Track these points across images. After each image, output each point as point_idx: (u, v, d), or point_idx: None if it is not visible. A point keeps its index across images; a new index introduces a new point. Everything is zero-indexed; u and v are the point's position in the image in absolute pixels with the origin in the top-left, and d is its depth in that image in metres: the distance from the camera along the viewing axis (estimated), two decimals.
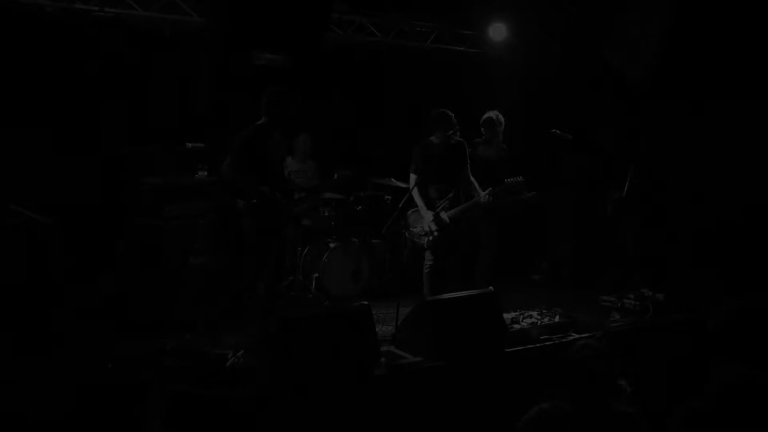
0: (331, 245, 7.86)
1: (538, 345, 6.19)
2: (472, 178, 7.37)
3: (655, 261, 8.76)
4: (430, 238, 7.03)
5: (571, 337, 6.44)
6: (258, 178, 6.06)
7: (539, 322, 6.45)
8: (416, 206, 7.15)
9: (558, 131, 7.85)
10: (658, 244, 8.99)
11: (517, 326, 6.31)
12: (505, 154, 8.00)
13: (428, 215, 6.99)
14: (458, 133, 7.26)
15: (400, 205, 6.71)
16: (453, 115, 7.06)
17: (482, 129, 7.92)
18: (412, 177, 6.99)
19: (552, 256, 8.80)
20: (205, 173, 6.97)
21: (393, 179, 8.21)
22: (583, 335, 6.51)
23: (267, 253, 6.10)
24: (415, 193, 7.01)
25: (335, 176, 7.33)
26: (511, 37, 9.73)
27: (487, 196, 7.18)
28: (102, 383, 2.37)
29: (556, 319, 6.59)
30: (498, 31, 9.67)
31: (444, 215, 7.02)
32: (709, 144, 8.50)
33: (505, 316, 6.42)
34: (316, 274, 7.71)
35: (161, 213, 6.37)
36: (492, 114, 7.92)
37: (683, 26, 8.00)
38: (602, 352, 3.39)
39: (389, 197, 8.45)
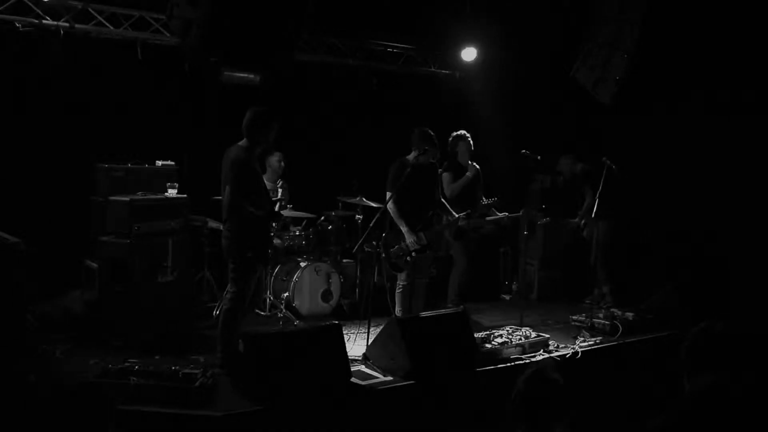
0: (302, 264, 7.83)
1: (509, 365, 6.21)
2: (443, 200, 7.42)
3: (623, 278, 8.88)
4: (408, 258, 6.99)
5: (541, 357, 6.47)
6: (254, 201, 5.97)
7: (510, 341, 6.46)
8: (389, 227, 7.10)
9: (527, 152, 7.93)
10: (626, 261, 9.11)
11: (488, 346, 6.33)
12: (476, 174, 8.04)
13: (411, 236, 6.93)
14: (438, 154, 7.29)
15: (372, 224, 6.68)
16: (434, 135, 7.08)
17: (451, 148, 7.95)
18: (388, 195, 6.96)
19: (522, 276, 8.83)
20: (175, 191, 6.90)
21: (364, 198, 8.21)
22: (553, 354, 6.55)
23: (254, 277, 6.05)
24: (395, 213, 6.95)
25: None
26: (481, 59, 9.84)
27: (465, 217, 7.22)
28: (62, 401, 2.32)
29: (527, 338, 6.61)
30: (468, 53, 9.79)
31: (422, 235, 7.01)
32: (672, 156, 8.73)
33: (476, 335, 6.44)
34: (286, 294, 7.66)
35: (130, 231, 6.29)
36: (460, 133, 7.99)
37: (647, 48, 8.21)
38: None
39: (360, 216, 8.44)
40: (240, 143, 5.93)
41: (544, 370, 3.19)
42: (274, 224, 7.53)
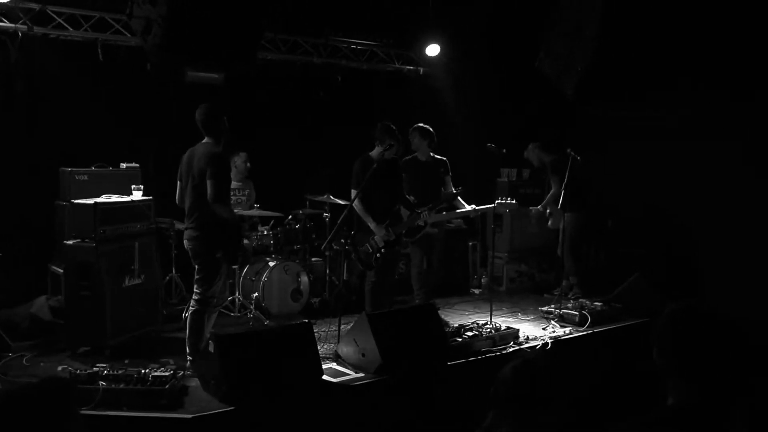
0: (271, 264, 7.79)
1: (480, 357, 6.24)
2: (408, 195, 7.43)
3: (590, 269, 8.98)
4: (378, 255, 6.98)
5: (512, 348, 6.51)
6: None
7: (480, 334, 6.50)
8: (357, 224, 7.09)
9: (493, 145, 7.97)
10: (593, 252, 9.21)
11: (458, 339, 6.35)
12: (436, 169, 7.99)
13: (380, 230, 6.93)
14: (401, 148, 7.29)
15: (339, 222, 6.67)
16: (395, 129, 7.06)
17: (412, 141, 7.90)
18: (354, 192, 6.94)
19: (491, 270, 8.89)
20: (140, 193, 6.84)
21: (331, 196, 8.19)
22: (523, 346, 6.60)
23: (220, 277, 6.02)
24: (361, 210, 6.94)
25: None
26: (445, 54, 9.88)
27: (427, 211, 7.24)
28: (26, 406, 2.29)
29: (497, 331, 6.65)
30: (432, 49, 9.82)
31: (390, 230, 7.01)
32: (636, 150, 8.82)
33: (446, 329, 6.46)
34: (256, 294, 7.63)
35: (95, 235, 6.22)
36: (416, 125, 7.87)
37: (610, 37, 8.25)
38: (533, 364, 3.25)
39: (327, 214, 8.43)
40: (206, 141, 5.90)
41: (533, 360, 3.19)
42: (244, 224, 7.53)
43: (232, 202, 8.13)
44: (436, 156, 7.93)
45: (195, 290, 5.92)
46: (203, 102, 6.03)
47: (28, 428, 2.23)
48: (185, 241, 5.97)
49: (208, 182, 5.69)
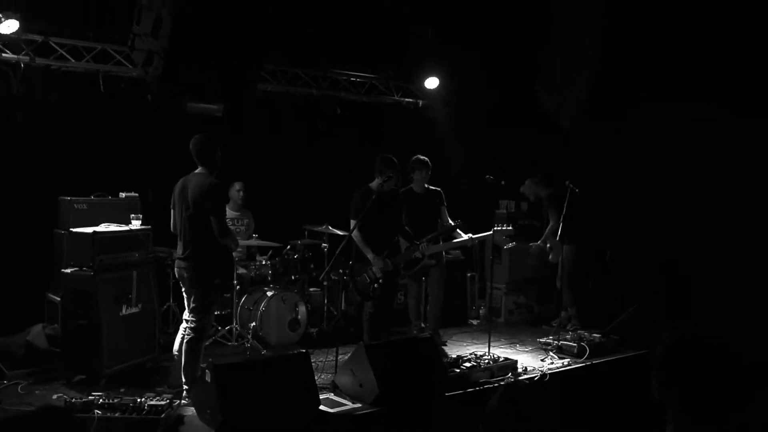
0: (269, 294, 7.78)
1: (478, 388, 6.22)
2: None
3: (589, 300, 8.97)
4: (376, 286, 6.97)
5: (509, 380, 6.48)
6: None
7: (478, 365, 6.48)
8: (355, 255, 7.09)
9: (491, 177, 8.00)
10: (591, 284, 9.21)
11: (456, 370, 6.33)
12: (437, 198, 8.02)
13: (378, 261, 6.92)
14: (400, 180, 7.32)
15: (338, 252, 6.68)
16: (397, 161, 7.09)
17: (409, 173, 7.92)
18: (353, 223, 6.96)
19: (489, 301, 8.88)
20: (139, 222, 6.86)
21: (330, 227, 8.21)
22: (522, 377, 6.57)
23: (216, 304, 6.07)
24: (359, 240, 6.94)
25: None
26: (444, 87, 9.96)
27: (425, 243, 7.28)
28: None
29: (495, 362, 6.63)
30: (431, 82, 9.91)
31: (389, 261, 7.01)
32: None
33: (444, 360, 6.45)
34: (253, 323, 7.61)
35: (93, 263, 6.22)
36: (415, 157, 7.91)
37: (609, 66, 8.34)
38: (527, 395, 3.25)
39: (326, 245, 8.43)
40: (199, 171, 5.93)
41: (517, 387, 3.18)
42: (238, 250, 7.55)
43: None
44: (431, 187, 7.96)
45: (191, 319, 5.91)
46: (202, 132, 6.07)
47: None
48: (178, 270, 5.98)
49: (211, 218, 5.74)
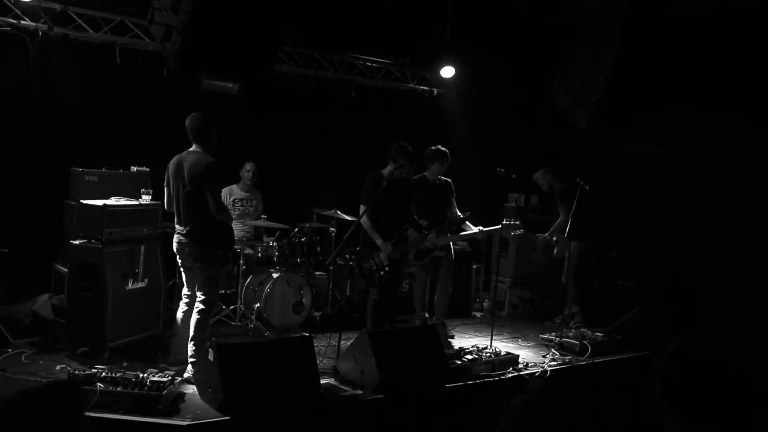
0: (274, 276, 7.79)
1: (478, 381, 6.22)
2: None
3: (593, 299, 8.96)
4: (382, 272, 6.97)
5: (510, 374, 6.49)
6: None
7: (480, 358, 6.48)
8: (363, 241, 7.09)
9: (502, 170, 7.98)
10: (596, 282, 9.20)
11: (458, 362, 6.33)
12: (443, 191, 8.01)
13: (386, 248, 6.92)
14: (413, 169, 7.31)
15: (345, 237, 6.67)
16: (411, 150, 7.08)
17: (427, 163, 7.93)
18: (362, 208, 6.96)
19: (493, 294, 8.88)
20: (149, 197, 6.85)
21: (339, 211, 8.20)
22: (522, 372, 6.57)
23: (221, 278, 6.12)
24: (368, 226, 6.94)
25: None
26: (459, 76, 9.91)
27: (435, 234, 7.28)
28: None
29: (497, 356, 6.63)
30: (447, 71, 9.85)
31: (396, 249, 7.01)
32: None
33: (446, 352, 6.45)
34: (258, 304, 7.62)
35: (102, 236, 6.23)
36: (436, 148, 7.93)
37: (623, 72, 8.30)
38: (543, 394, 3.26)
39: (334, 229, 8.43)
40: (194, 149, 5.92)
41: (543, 392, 3.18)
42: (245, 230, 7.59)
43: (239, 212, 8.19)
44: (442, 177, 7.96)
45: (199, 293, 5.91)
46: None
47: (35, 430, 2.22)
48: (179, 245, 5.97)
49: (208, 195, 5.74)
